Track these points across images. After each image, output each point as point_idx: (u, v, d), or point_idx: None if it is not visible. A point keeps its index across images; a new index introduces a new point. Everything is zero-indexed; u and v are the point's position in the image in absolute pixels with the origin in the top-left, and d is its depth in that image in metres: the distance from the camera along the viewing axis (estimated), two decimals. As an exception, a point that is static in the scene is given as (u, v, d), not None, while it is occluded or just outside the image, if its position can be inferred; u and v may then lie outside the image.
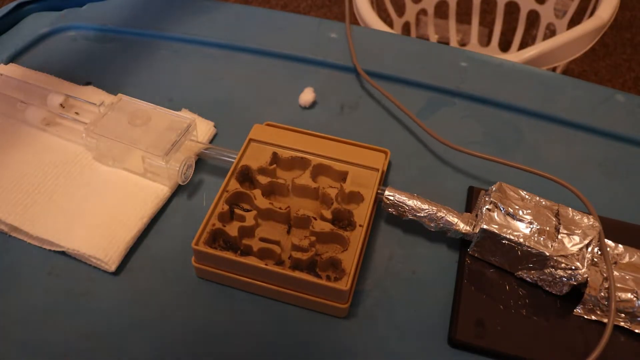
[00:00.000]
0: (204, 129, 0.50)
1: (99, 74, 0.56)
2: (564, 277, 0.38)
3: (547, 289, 0.40)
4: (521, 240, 0.39)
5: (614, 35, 1.62)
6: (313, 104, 0.54)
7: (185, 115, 0.47)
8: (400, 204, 0.42)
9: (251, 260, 0.38)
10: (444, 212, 0.42)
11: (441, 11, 1.28)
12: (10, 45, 0.58)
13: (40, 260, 0.41)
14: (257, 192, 0.43)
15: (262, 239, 0.40)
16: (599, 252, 0.40)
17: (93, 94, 0.52)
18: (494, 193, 0.41)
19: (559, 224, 0.40)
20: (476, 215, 0.42)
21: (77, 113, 0.48)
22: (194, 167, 0.46)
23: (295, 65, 0.59)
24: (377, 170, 0.45)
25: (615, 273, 0.39)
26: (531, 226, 0.39)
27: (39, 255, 0.41)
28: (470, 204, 0.45)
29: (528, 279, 0.40)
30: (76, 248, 0.40)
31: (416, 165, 0.49)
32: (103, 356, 0.37)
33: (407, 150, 0.50)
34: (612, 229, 0.42)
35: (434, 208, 0.42)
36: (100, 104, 0.46)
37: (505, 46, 1.33)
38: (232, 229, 0.40)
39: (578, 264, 0.38)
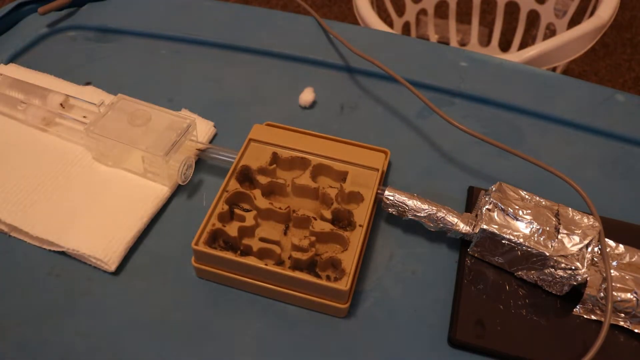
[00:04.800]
0: (204, 129, 0.50)
1: (99, 74, 0.56)
2: (564, 277, 0.38)
3: (547, 289, 0.40)
4: (521, 240, 0.39)
5: (614, 35, 1.62)
6: (313, 104, 0.54)
7: (185, 115, 0.47)
8: (400, 204, 0.42)
9: (251, 260, 0.38)
10: (444, 212, 0.42)
11: (441, 11, 1.28)
12: (10, 45, 0.58)
13: (40, 260, 0.41)
14: (257, 192, 0.43)
15: (262, 239, 0.40)
16: (599, 252, 0.40)
17: (93, 94, 0.52)
18: (494, 193, 0.41)
19: (559, 224, 0.40)
20: (476, 215, 0.42)
21: (84, 117, 0.48)
22: (194, 167, 0.46)
23: (295, 65, 0.59)
24: (377, 170, 0.45)
25: (615, 273, 0.39)
26: (531, 226, 0.39)
27: (39, 255, 0.41)
28: (470, 204, 0.45)
29: (528, 279, 0.40)
30: (76, 248, 0.40)
31: (416, 165, 0.49)
32: (103, 356, 0.37)
33: (407, 150, 0.50)
34: (613, 229, 0.42)
35: (434, 208, 0.42)
36: (100, 104, 0.46)
37: (505, 46, 1.33)
38: (232, 229, 0.40)
39: (578, 264, 0.38)
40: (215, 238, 0.41)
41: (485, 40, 1.34)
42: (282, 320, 0.39)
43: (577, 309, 0.39)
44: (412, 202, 0.42)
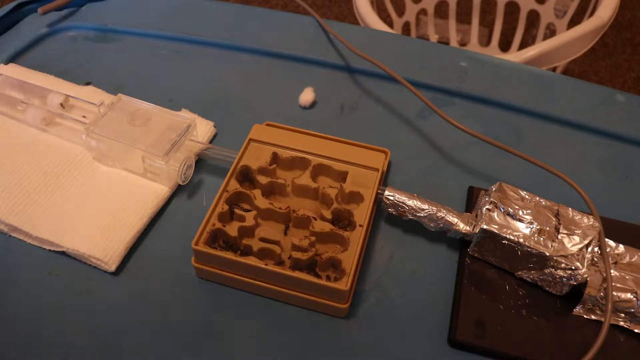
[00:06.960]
0: (204, 129, 0.50)
1: (99, 74, 0.56)
2: (564, 277, 0.38)
3: (547, 289, 0.40)
4: (521, 240, 0.39)
5: (614, 35, 1.62)
6: (313, 104, 0.54)
7: (185, 115, 0.47)
8: (400, 204, 0.42)
9: (251, 260, 0.38)
10: (444, 212, 0.42)
11: (441, 11, 1.28)
12: (10, 45, 0.58)
13: (40, 260, 0.41)
14: (257, 192, 0.43)
15: (262, 239, 0.40)
16: (599, 252, 0.40)
17: (93, 94, 0.52)
18: (494, 193, 0.41)
19: (559, 224, 0.40)
20: (476, 215, 0.42)
21: (84, 117, 0.48)
22: (194, 167, 0.46)
23: (295, 65, 0.59)
24: (377, 170, 0.45)
25: (615, 273, 0.39)
26: (531, 226, 0.39)
27: (39, 255, 0.41)
28: (470, 204, 0.45)
29: (528, 279, 0.40)
30: (76, 248, 0.40)
31: (416, 165, 0.49)
32: (103, 356, 0.37)
33: (407, 150, 0.50)
34: (612, 229, 0.42)
35: (434, 208, 0.42)
36: (100, 104, 0.46)
37: (505, 46, 1.33)
38: (232, 229, 0.40)
39: (578, 264, 0.38)
40: (215, 238, 0.41)
41: (485, 40, 1.34)
42: (282, 320, 0.39)
43: (577, 309, 0.39)
44: (412, 202, 0.42)
